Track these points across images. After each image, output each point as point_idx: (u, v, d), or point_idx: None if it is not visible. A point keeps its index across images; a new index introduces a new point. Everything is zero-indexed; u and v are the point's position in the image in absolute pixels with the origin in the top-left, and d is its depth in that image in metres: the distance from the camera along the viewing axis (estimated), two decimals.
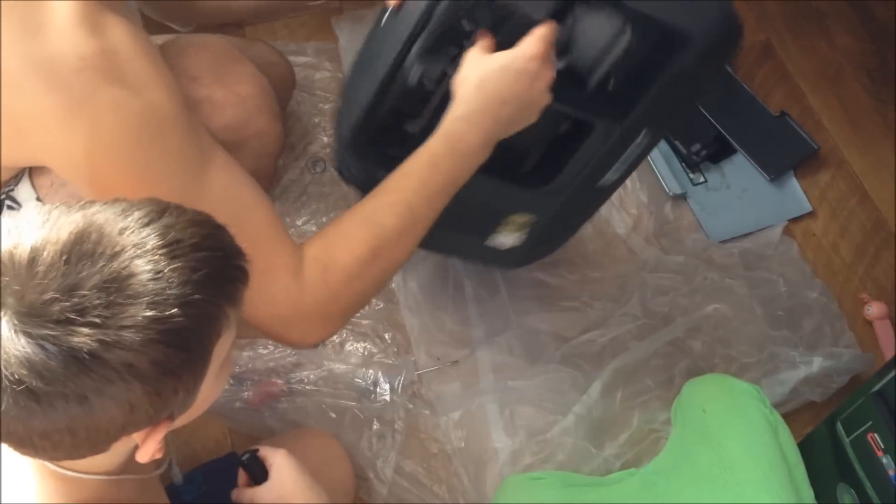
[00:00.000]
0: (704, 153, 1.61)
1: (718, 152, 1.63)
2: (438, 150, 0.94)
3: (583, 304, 1.45)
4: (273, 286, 0.89)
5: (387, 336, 1.39)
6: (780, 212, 1.59)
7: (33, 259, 0.59)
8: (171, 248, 0.61)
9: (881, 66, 1.81)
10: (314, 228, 1.49)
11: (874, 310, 1.50)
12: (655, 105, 1.10)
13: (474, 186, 1.03)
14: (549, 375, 1.37)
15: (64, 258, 0.59)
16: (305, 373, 1.33)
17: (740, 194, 1.60)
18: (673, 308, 1.45)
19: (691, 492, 1.20)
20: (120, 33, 0.78)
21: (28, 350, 0.57)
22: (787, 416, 1.31)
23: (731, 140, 1.64)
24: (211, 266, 0.63)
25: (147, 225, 0.62)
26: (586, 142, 1.12)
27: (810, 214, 1.60)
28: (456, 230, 1.14)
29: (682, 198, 1.58)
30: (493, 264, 1.39)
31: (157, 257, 0.60)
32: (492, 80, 0.93)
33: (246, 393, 1.30)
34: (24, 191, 0.93)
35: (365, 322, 1.39)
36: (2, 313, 0.58)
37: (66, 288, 0.58)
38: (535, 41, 0.93)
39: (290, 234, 0.99)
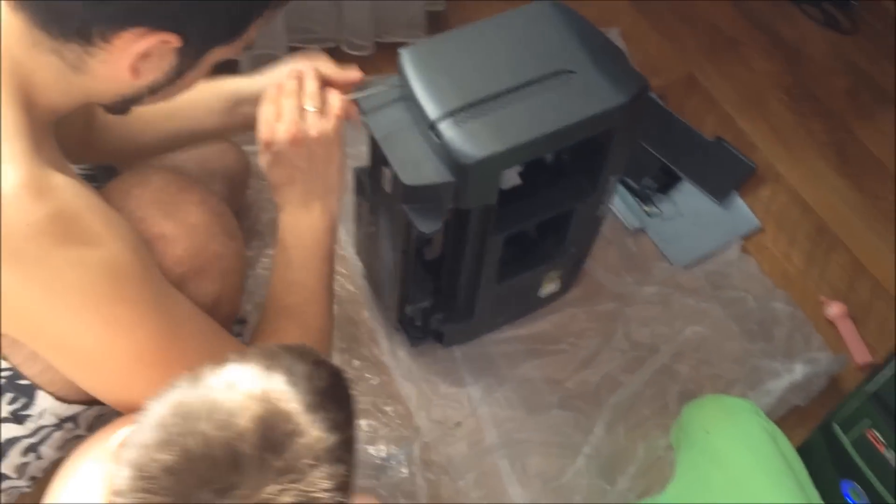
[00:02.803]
0: (655, 186, 1.69)
1: (667, 183, 1.71)
2: (286, 246, 1.04)
3: (569, 346, 1.49)
4: None
5: (388, 409, 1.40)
6: (733, 230, 1.67)
7: (237, 457, 0.62)
8: (323, 399, 0.67)
9: (796, 82, 1.93)
10: None
11: (834, 310, 1.59)
12: (612, 163, 1.27)
13: (528, 279, 1.42)
14: (551, 421, 1.41)
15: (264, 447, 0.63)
16: None
17: (694, 220, 1.68)
18: (655, 337, 1.50)
19: None
20: (67, 192, 0.78)
21: None
22: (776, 424, 1.37)
23: (676, 170, 1.72)
24: (345, 396, 0.71)
25: (293, 385, 0.67)
26: (575, 214, 1.32)
27: (760, 230, 1.69)
28: (525, 302, 1.51)
29: (641, 231, 1.65)
30: (545, 305, 1.57)
31: (319, 415, 0.66)
32: (271, 176, 1.02)
33: None
34: None
35: (364, 399, 1.40)
36: None
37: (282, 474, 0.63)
38: (260, 130, 1.00)
39: None
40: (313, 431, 0.65)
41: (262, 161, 1.02)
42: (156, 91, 0.87)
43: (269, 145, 0.99)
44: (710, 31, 2.01)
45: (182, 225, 0.97)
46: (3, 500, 0.98)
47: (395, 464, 1.33)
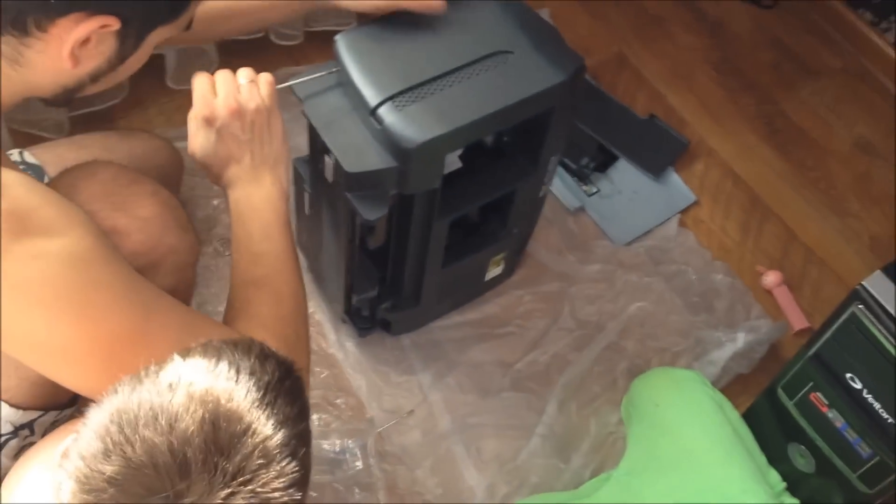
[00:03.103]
0: (592, 165, 1.70)
1: (604, 162, 1.72)
2: (244, 220, 1.01)
3: (517, 328, 1.50)
4: None
5: (339, 402, 1.39)
6: (670, 206, 1.70)
7: (183, 463, 0.59)
8: (271, 395, 0.65)
9: (723, 58, 1.96)
10: None
11: (770, 278, 1.62)
12: (552, 142, 1.28)
13: (473, 263, 1.42)
14: (504, 404, 1.41)
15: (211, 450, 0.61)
16: None
17: (631, 196, 1.70)
18: (601, 314, 1.52)
19: (664, 483, 1.26)
20: (18, 188, 0.76)
21: None
22: (722, 392, 1.40)
23: (612, 149, 1.73)
24: (295, 389, 0.68)
25: (239, 382, 0.65)
26: (517, 194, 1.32)
27: (696, 204, 1.72)
28: (471, 287, 1.51)
29: (581, 210, 1.66)
30: (488, 291, 1.57)
31: (268, 411, 0.64)
32: (216, 155, 1.00)
33: None
34: None
35: (315, 393, 1.38)
36: None
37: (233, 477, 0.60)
38: (198, 106, 0.98)
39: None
40: (262, 429, 0.63)
41: (202, 141, 0.98)
42: (97, 78, 0.84)
43: (210, 121, 0.97)
44: (636, 9, 2.03)
45: (135, 218, 0.95)
46: None
47: (349, 457, 1.32)
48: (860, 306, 1.11)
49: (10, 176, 0.76)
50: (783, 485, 1.33)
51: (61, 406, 0.94)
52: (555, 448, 1.37)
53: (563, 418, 1.40)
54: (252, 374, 0.65)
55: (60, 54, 0.78)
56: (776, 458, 1.34)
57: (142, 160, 1.32)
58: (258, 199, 1.00)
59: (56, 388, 0.89)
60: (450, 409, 1.40)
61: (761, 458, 1.33)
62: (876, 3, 1.93)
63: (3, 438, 0.91)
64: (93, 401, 0.66)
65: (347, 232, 1.26)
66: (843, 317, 1.15)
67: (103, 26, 0.77)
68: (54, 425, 0.94)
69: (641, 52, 1.94)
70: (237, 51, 1.61)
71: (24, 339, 0.78)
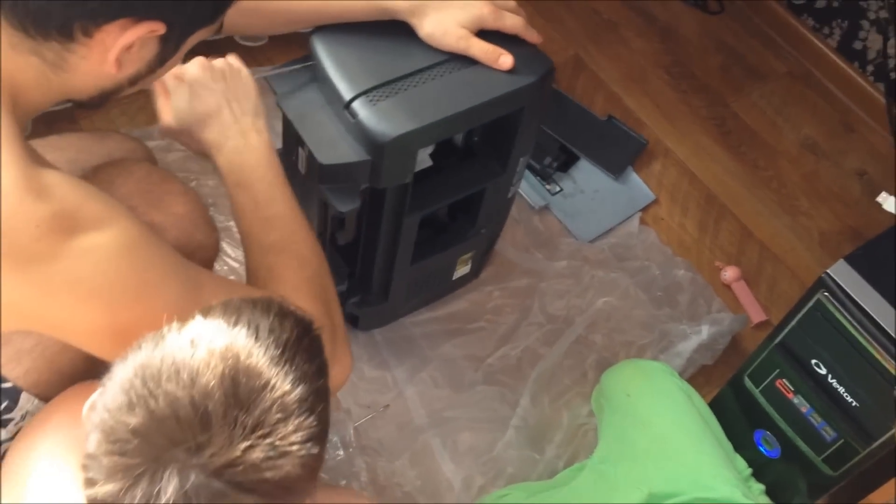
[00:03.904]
0: (555, 165, 1.74)
1: (566, 162, 1.76)
2: (244, 185, 1.00)
3: (488, 323, 1.52)
4: None
5: None
6: (631, 204, 1.74)
7: (204, 415, 0.61)
8: (290, 352, 0.66)
9: (674, 62, 2.02)
10: None
11: (729, 274, 1.68)
12: (521, 143, 1.31)
13: (441, 261, 1.43)
14: (478, 397, 1.43)
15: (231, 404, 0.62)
16: None
17: (593, 195, 1.74)
18: (570, 309, 1.55)
19: (638, 470, 1.29)
20: (63, 187, 0.77)
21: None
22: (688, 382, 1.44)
23: (573, 149, 1.77)
24: (314, 347, 0.69)
25: (258, 339, 0.66)
26: (486, 194, 1.35)
27: (655, 202, 1.77)
28: (439, 285, 1.52)
29: (545, 209, 1.69)
30: (457, 289, 1.58)
31: (286, 367, 0.65)
32: (194, 111, 1.01)
33: None
34: None
35: None
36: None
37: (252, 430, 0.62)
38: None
39: None
40: (281, 384, 0.64)
41: (176, 103, 0.99)
42: (136, 81, 0.85)
43: (180, 77, 0.98)
44: (589, 13, 2.07)
45: (169, 215, 0.96)
46: None
47: (329, 448, 1.32)
48: (825, 294, 1.16)
49: (52, 176, 0.76)
50: (749, 471, 1.38)
51: None
52: (529, 439, 1.39)
53: (537, 411, 1.42)
54: (271, 331, 0.67)
55: (104, 59, 0.78)
56: (742, 444, 1.38)
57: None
58: (252, 159, 1.00)
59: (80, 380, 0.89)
60: (424, 404, 1.42)
61: (728, 446, 1.38)
62: (818, 9, 2.01)
63: (13, 423, 0.91)
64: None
65: (318, 225, 1.27)
66: (809, 304, 1.19)
67: (151, 31, 0.77)
68: None
69: (597, 56, 1.99)
70: (200, 51, 1.60)
71: (84, 329, 0.79)
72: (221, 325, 0.67)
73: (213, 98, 0.99)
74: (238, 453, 0.61)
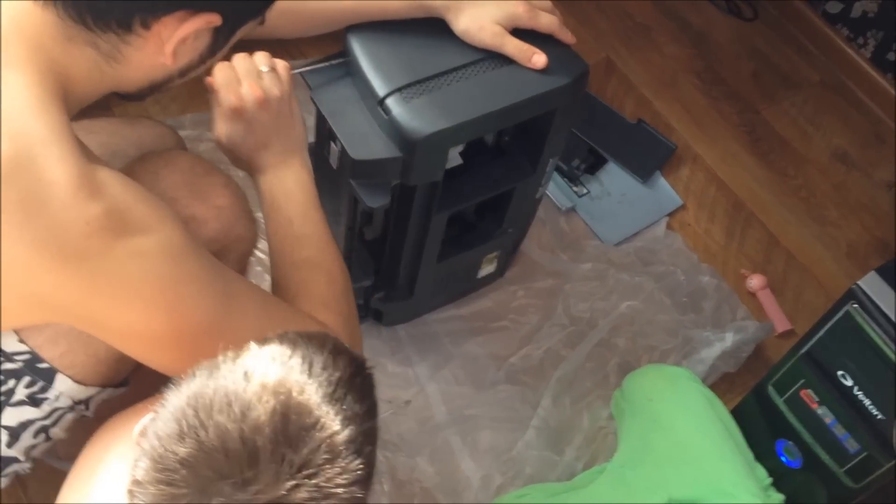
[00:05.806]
0: (583, 167, 1.74)
1: (594, 164, 1.76)
2: (280, 204, 1.01)
3: (511, 322, 1.52)
4: None
5: None
6: (658, 209, 1.74)
7: (253, 451, 0.61)
8: (341, 390, 0.66)
9: (706, 67, 2.01)
10: None
11: (755, 282, 1.67)
12: (552, 144, 1.31)
13: (467, 259, 1.44)
14: (499, 396, 1.43)
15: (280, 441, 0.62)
16: None
17: (620, 199, 1.73)
18: (594, 312, 1.55)
19: (658, 475, 1.29)
20: (115, 185, 0.78)
21: None
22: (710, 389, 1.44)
23: (601, 151, 1.77)
24: (365, 387, 0.69)
25: (311, 376, 0.66)
26: (514, 194, 1.35)
27: (682, 207, 1.76)
28: (464, 283, 1.52)
29: (572, 210, 1.69)
30: (481, 287, 1.58)
31: (337, 407, 0.65)
32: (245, 144, 1.01)
33: None
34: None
35: None
36: None
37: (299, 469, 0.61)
38: (226, 97, 0.99)
39: None
40: (330, 424, 0.63)
41: (229, 131, 0.99)
42: (186, 73, 0.85)
43: (240, 112, 0.97)
44: (622, 17, 2.07)
45: (212, 207, 0.97)
46: (2, 484, 0.94)
47: None
48: (855, 305, 1.15)
49: (105, 174, 0.76)
50: (769, 480, 1.37)
51: (117, 384, 0.95)
52: (549, 440, 1.39)
53: (557, 412, 1.42)
54: (325, 368, 0.66)
55: (159, 50, 0.78)
56: (763, 453, 1.37)
57: (150, 147, 1.32)
58: (290, 183, 1.01)
59: (116, 367, 0.91)
60: (446, 401, 1.42)
61: (749, 454, 1.37)
62: (853, 19, 1.99)
63: (61, 412, 0.92)
64: (148, 381, 0.67)
65: (348, 220, 1.27)
66: (838, 316, 1.19)
67: (208, 22, 0.77)
68: (105, 403, 0.95)
69: (628, 59, 1.98)
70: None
71: (120, 329, 0.80)
72: (276, 358, 0.66)
73: (264, 134, 1.00)
74: (283, 492, 0.60)
